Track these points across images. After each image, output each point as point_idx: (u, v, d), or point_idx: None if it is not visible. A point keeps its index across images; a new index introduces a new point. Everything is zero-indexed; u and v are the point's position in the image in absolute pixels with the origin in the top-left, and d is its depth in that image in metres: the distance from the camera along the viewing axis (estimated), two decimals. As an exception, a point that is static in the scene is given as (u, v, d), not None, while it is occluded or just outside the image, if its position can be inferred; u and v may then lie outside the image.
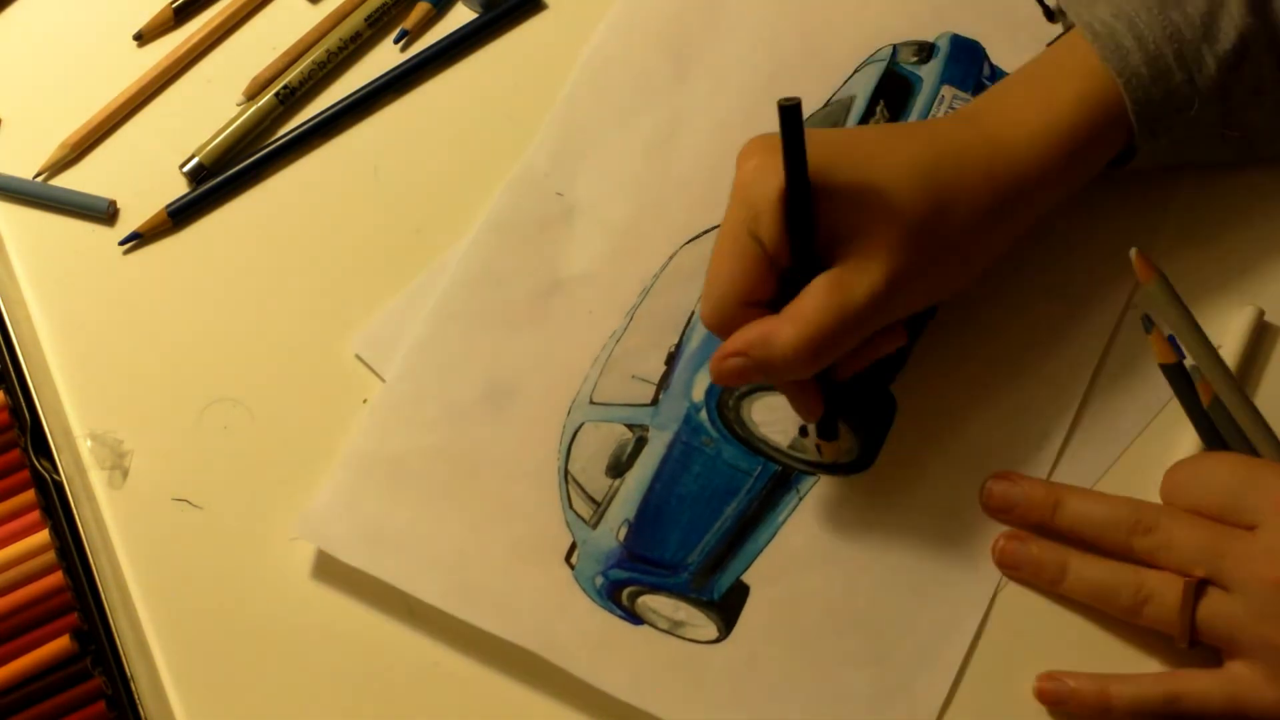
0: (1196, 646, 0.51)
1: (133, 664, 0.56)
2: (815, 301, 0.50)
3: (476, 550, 0.57)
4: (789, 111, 0.46)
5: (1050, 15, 0.63)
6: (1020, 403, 0.58)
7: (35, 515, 0.58)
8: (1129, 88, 0.53)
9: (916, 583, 0.56)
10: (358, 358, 0.60)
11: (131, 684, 0.55)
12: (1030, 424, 0.58)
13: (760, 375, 0.52)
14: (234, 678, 0.56)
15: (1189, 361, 0.54)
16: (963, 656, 0.55)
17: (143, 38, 0.67)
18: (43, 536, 0.57)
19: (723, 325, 0.52)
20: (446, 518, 0.57)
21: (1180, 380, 0.54)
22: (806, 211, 0.49)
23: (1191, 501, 0.52)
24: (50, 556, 0.57)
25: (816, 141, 0.48)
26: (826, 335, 0.50)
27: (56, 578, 0.57)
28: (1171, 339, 0.55)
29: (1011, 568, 0.55)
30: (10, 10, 0.67)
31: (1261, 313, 0.58)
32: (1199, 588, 0.50)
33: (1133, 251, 0.54)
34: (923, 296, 0.53)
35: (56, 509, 0.58)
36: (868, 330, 0.52)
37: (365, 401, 0.60)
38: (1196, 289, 0.59)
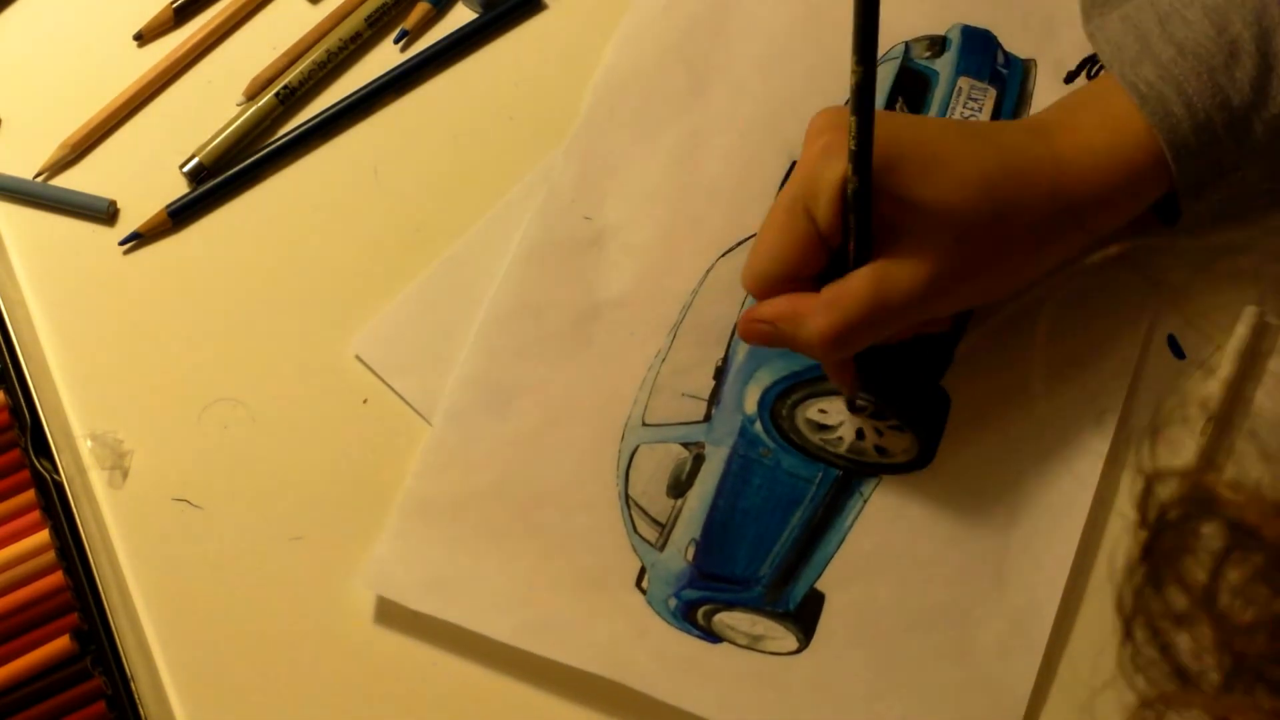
0: None
1: (133, 664, 0.56)
2: (854, 292, 0.50)
3: (545, 585, 0.56)
4: (861, 109, 0.46)
5: (1069, 78, 0.62)
6: (1075, 384, 0.58)
7: (35, 515, 0.58)
8: (1176, 158, 0.52)
9: (991, 571, 0.56)
10: (358, 358, 0.60)
11: (131, 684, 0.55)
12: (1087, 403, 0.57)
13: (784, 346, 0.53)
14: (234, 677, 0.56)
15: None
16: (1046, 639, 0.55)
17: (143, 38, 0.67)
18: (43, 536, 0.57)
19: (761, 294, 0.53)
20: (511, 555, 0.57)
21: None
22: (866, 205, 0.49)
23: None
24: (50, 556, 0.57)
25: (885, 132, 0.48)
26: (857, 327, 0.51)
27: (56, 578, 0.57)
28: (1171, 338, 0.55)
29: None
30: (10, 10, 0.67)
31: (1262, 313, 0.59)
32: None
33: None
34: (962, 300, 0.54)
35: (56, 509, 0.58)
36: (901, 325, 0.52)
37: (365, 402, 0.60)
38: (1198, 289, 0.59)
